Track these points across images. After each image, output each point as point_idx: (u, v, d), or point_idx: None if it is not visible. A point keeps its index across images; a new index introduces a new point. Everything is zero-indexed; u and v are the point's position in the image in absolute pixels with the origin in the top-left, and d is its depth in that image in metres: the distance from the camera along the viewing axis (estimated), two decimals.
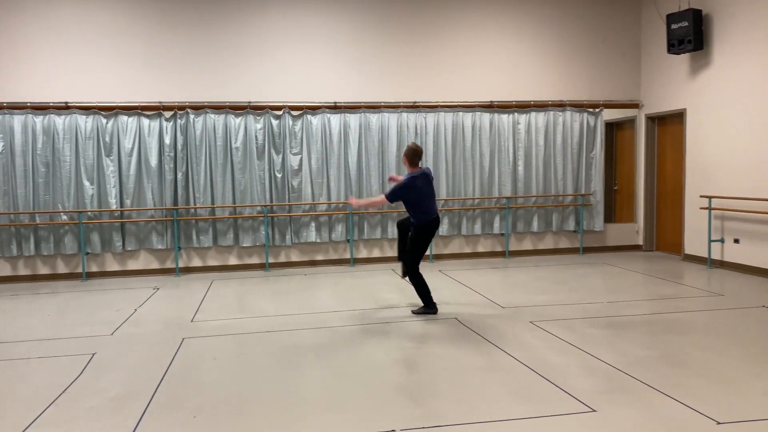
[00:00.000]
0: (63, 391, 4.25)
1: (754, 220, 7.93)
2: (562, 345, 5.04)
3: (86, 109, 8.47)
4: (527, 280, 7.86)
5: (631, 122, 10.35)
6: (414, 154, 6.11)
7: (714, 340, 5.13)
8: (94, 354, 5.08)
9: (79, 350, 5.20)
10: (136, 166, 8.62)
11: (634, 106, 10.08)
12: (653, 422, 3.58)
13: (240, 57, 8.89)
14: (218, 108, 8.80)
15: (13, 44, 8.32)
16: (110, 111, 8.54)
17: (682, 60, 9.07)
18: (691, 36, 8.42)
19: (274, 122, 8.93)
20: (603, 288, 7.37)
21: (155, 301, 7.10)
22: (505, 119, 9.57)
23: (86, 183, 8.47)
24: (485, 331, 5.48)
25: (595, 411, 3.73)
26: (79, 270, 8.61)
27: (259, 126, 8.87)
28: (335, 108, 9.11)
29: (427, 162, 9.26)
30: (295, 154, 9.02)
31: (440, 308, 6.28)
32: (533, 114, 9.65)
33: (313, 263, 9.24)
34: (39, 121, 8.33)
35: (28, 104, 8.31)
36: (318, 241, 9.13)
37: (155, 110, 8.67)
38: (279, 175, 8.98)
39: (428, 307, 6.18)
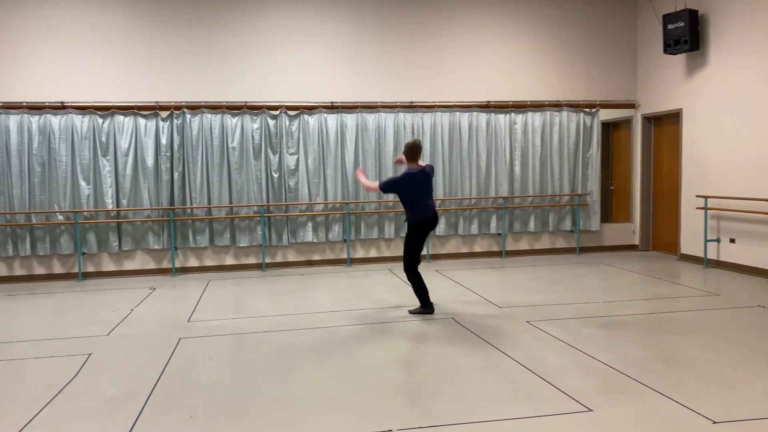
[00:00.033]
0: (59, 392, 4.24)
1: (751, 219, 7.96)
2: (558, 345, 5.05)
3: (82, 109, 8.45)
4: (524, 280, 7.87)
5: (627, 122, 10.37)
6: (411, 150, 6.10)
7: (710, 340, 5.14)
8: (90, 354, 5.07)
9: (76, 350, 5.19)
10: (133, 166, 8.61)
11: (631, 106, 10.10)
12: (649, 422, 3.58)
13: (237, 57, 8.88)
14: (215, 108, 8.79)
15: (9, 44, 8.30)
16: (106, 111, 8.52)
17: (679, 60, 9.10)
18: (687, 36, 8.44)
19: (271, 122, 8.92)
20: (599, 288, 7.38)
21: (152, 302, 7.09)
22: (502, 119, 9.58)
23: (82, 183, 8.45)
24: (482, 331, 5.49)
25: (591, 411, 3.74)
26: (76, 270, 8.59)
27: (255, 126, 8.87)
28: (332, 108, 9.11)
29: (424, 162, 9.25)
30: (291, 154, 9.01)
31: (437, 308, 6.28)
32: (530, 114, 9.67)
33: (310, 263, 9.24)
34: (35, 120, 8.31)
35: (24, 104, 8.29)
36: (315, 241, 9.12)
37: (152, 110, 8.65)
38: (276, 175, 8.97)
39: (425, 306, 6.18)
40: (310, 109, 9.05)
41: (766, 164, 7.67)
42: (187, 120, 8.68)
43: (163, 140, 8.63)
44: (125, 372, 4.65)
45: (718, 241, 8.48)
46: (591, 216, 9.95)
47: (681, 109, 9.13)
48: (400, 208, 6.27)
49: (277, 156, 8.96)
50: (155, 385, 4.34)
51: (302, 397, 4.09)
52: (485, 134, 9.53)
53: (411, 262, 6.12)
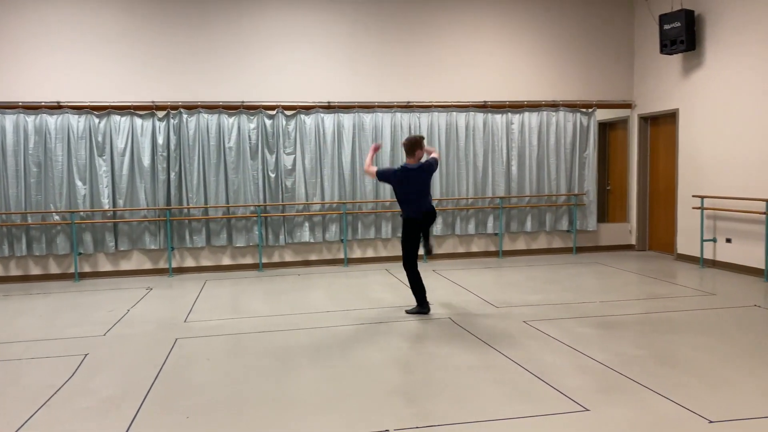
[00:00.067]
0: (55, 392, 4.23)
1: (747, 219, 7.97)
2: (555, 344, 5.05)
3: (78, 109, 8.43)
4: (521, 280, 7.88)
5: (624, 122, 10.39)
6: (409, 145, 6.14)
7: (706, 339, 5.16)
8: (86, 355, 5.06)
9: (72, 351, 5.17)
10: (129, 166, 8.59)
11: (627, 106, 10.12)
12: (646, 421, 3.59)
13: (233, 56, 8.87)
14: (211, 108, 8.78)
15: (5, 43, 8.27)
16: (103, 111, 8.50)
17: (675, 60, 9.11)
18: (683, 36, 8.46)
19: (268, 122, 8.92)
20: (596, 287, 7.39)
21: (148, 302, 7.07)
22: (499, 119, 9.59)
23: (78, 183, 8.43)
24: (479, 331, 5.49)
25: (588, 410, 3.74)
26: (72, 270, 8.57)
27: (252, 126, 8.86)
28: (329, 108, 9.11)
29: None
30: (288, 154, 9.00)
31: (434, 308, 6.28)
32: (527, 114, 9.68)
33: (307, 263, 9.23)
34: (31, 120, 8.29)
35: (20, 104, 8.27)
36: (312, 241, 9.12)
37: (148, 110, 8.64)
38: (272, 175, 8.96)
39: (421, 306, 6.19)
40: (307, 109, 9.04)
41: (762, 164, 7.69)
42: (184, 120, 8.66)
43: (160, 140, 8.62)
44: (122, 372, 4.64)
45: (714, 240, 8.50)
46: (588, 216, 9.97)
47: (677, 109, 9.15)
48: (397, 208, 6.29)
49: (274, 156, 8.95)
50: (152, 385, 4.33)
51: (299, 397, 4.09)
52: (482, 134, 9.53)
53: (408, 258, 6.13)
